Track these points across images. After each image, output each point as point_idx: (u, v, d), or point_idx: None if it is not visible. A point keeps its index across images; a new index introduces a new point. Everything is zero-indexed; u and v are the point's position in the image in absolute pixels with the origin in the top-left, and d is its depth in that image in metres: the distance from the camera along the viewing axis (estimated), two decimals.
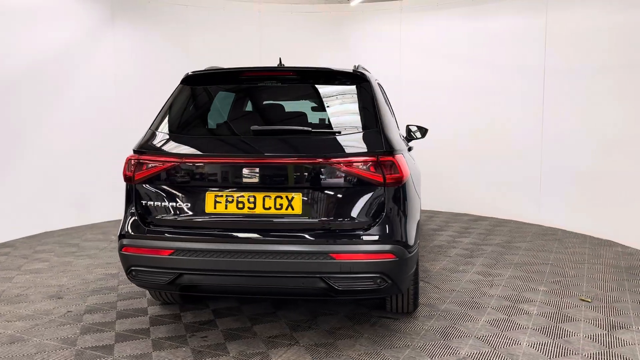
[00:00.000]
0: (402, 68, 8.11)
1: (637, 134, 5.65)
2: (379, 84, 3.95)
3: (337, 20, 8.49)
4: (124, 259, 3.11)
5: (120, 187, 3.39)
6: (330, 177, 2.97)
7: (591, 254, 5.33)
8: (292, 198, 2.97)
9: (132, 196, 3.16)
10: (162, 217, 3.09)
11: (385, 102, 3.95)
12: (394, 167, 2.98)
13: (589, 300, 4.00)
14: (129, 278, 3.18)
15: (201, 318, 3.67)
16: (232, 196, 3.00)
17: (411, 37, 8.07)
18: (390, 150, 3.02)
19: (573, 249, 5.52)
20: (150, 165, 3.11)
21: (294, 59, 4.68)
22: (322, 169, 2.96)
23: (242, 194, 3.00)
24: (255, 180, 2.97)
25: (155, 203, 3.10)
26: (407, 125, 5.16)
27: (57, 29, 6.77)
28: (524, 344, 3.22)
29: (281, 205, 2.97)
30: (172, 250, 2.98)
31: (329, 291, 2.97)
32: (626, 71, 5.78)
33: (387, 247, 2.92)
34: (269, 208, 2.98)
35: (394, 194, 3.00)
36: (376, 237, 2.93)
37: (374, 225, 2.95)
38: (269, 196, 2.98)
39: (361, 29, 8.42)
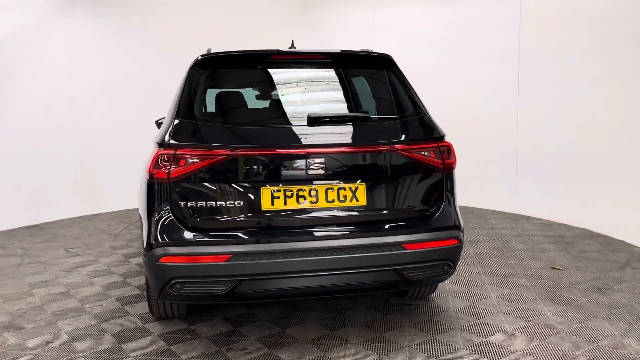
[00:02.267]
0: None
1: (615, 118, 5.56)
2: None
3: (306, 4, 8.17)
4: (163, 271, 2.65)
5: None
6: (392, 164, 2.85)
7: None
8: (356, 189, 2.80)
9: (165, 197, 2.69)
10: (210, 219, 2.70)
11: None
12: (450, 152, 2.98)
13: (560, 268, 4.44)
14: (162, 294, 2.72)
15: (220, 329, 3.29)
16: (291, 190, 2.73)
17: (384, 22, 7.97)
18: (444, 135, 3.00)
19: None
20: (191, 160, 2.68)
21: (265, 44, 4.39)
22: (384, 157, 2.84)
23: (303, 187, 2.74)
24: (316, 171, 2.73)
25: (199, 204, 2.69)
26: None
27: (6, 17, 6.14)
28: (549, 313, 3.47)
29: (345, 197, 2.78)
30: (229, 256, 2.62)
31: (401, 283, 2.87)
32: (602, 54, 5.70)
33: (452, 232, 2.92)
34: (332, 201, 2.77)
35: (450, 178, 3.00)
36: (442, 224, 2.91)
37: (437, 212, 2.92)
38: (332, 188, 2.77)
39: (331, 13, 8.18)
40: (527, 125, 6.61)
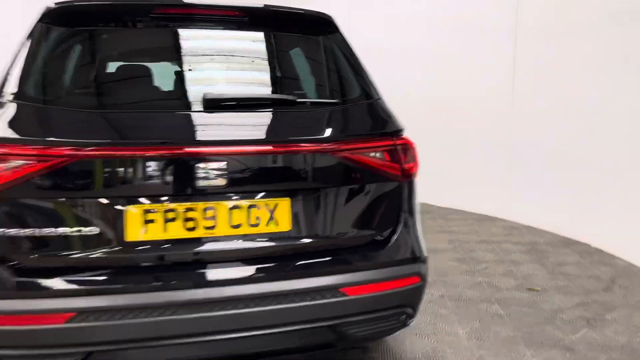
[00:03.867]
0: (351, 30, 6.85)
1: (622, 107, 4.57)
2: None
3: None
4: None
5: None
6: (329, 171, 1.97)
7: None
8: (276, 207, 1.90)
9: None
10: (43, 255, 1.74)
11: None
12: (410, 153, 2.12)
13: (538, 289, 3.69)
14: None
15: None
16: (174, 210, 1.80)
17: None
18: (401, 129, 2.14)
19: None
20: (14, 164, 1.71)
21: None
22: (317, 160, 1.94)
23: (193, 205, 1.82)
24: (214, 181, 1.81)
25: (26, 231, 1.73)
26: None
27: None
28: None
29: (258, 219, 1.88)
30: (72, 314, 1.68)
31: (339, 342, 2.00)
32: (611, 31, 4.64)
33: (413, 267, 2.07)
34: (239, 226, 1.87)
35: (409, 190, 2.15)
36: (398, 255, 2.06)
37: (392, 238, 2.07)
38: (238, 207, 1.86)
39: None
40: (523, 114, 5.66)
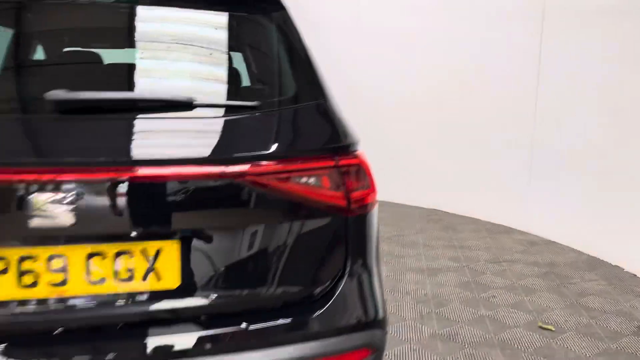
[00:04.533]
0: (360, 11, 6.29)
1: None
2: None
3: None
4: None
5: None
6: (236, 204, 1.40)
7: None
8: (158, 253, 1.34)
9: None
10: None
11: None
12: (363, 175, 1.53)
13: (553, 328, 3.05)
14: None
15: None
16: (2, 259, 1.27)
17: None
18: (351, 144, 1.54)
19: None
20: None
21: None
22: (219, 189, 1.37)
23: (31, 251, 1.28)
24: (64, 218, 1.26)
25: None
26: None
27: None
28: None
29: (132, 271, 1.33)
30: None
31: None
32: None
33: (363, 336, 1.50)
34: (102, 281, 1.32)
35: (361, 226, 1.56)
36: (341, 321, 1.48)
37: (331, 297, 1.49)
38: (101, 253, 1.31)
39: None
40: (547, 113, 4.92)
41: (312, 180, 1.44)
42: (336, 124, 1.55)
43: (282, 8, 1.76)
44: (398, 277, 3.80)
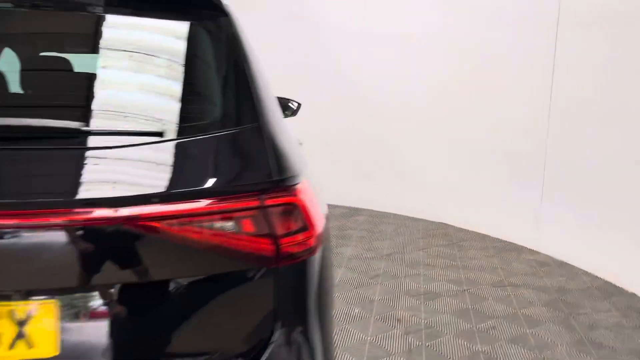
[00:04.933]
0: (367, 14, 5.99)
1: None
2: None
3: None
4: None
5: None
6: (128, 257, 1.14)
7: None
8: (30, 317, 1.09)
9: None
10: None
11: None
12: (299, 215, 1.26)
13: None
14: None
15: None
16: None
17: None
18: (288, 177, 1.28)
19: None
20: None
21: None
22: (104, 238, 1.13)
23: None
24: None
25: None
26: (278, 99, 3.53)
27: None
28: None
29: None
30: None
31: None
32: None
33: None
34: None
35: (297, 278, 1.30)
36: None
37: None
38: None
39: None
40: (562, 124, 4.58)
41: (229, 224, 1.17)
42: (268, 154, 1.28)
43: (222, 14, 1.51)
44: (391, 302, 3.52)
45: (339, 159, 6.26)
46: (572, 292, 3.78)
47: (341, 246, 4.69)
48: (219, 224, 1.16)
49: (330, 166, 6.29)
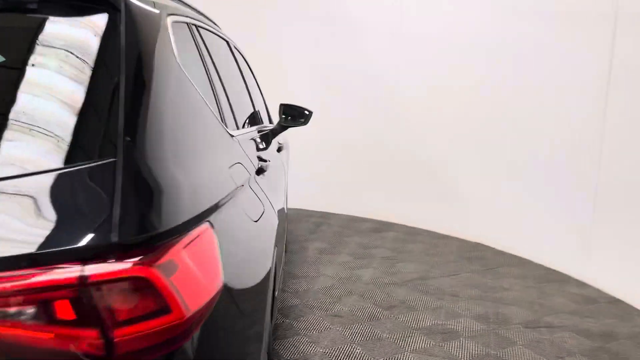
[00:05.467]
0: (403, 16, 5.51)
1: None
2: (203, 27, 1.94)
3: None
4: None
5: None
6: None
7: None
8: None
9: None
10: None
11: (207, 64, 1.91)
12: (151, 293, 0.89)
13: None
14: None
15: None
16: None
17: None
18: (149, 234, 0.91)
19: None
20: None
21: None
22: None
23: None
24: None
25: None
26: (282, 105, 3.25)
27: None
28: None
29: None
30: None
31: None
32: None
33: None
34: None
35: None
36: None
37: None
38: None
39: None
40: (620, 133, 3.96)
41: (29, 311, 0.82)
42: (115, 204, 0.92)
43: (113, 8, 1.16)
44: (400, 342, 3.07)
45: (369, 169, 5.85)
46: (621, 339, 3.19)
47: (360, 268, 4.28)
48: (14, 310, 0.81)
49: (361, 176, 5.88)
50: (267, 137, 2.77)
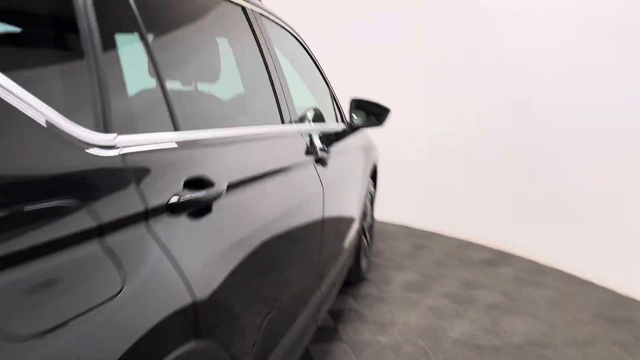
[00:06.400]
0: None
1: None
2: None
3: None
4: None
5: None
6: None
7: None
8: None
9: None
10: None
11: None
12: None
13: None
14: None
15: None
16: None
17: None
18: None
19: None
20: None
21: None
22: None
23: None
24: None
25: None
26: (353, 100, 2.97)
27: None
28: None
29: None
30: None
31: None
32: None
33: None
34: None
35: None
36: None
37: None
38: None
39: None
40: None
41: None
42: None
43: None
44: None
45: (492, 182, 4.69)
46: None
47: (452, 317, 3.23)
48: None
49: (480, 190, 4.76)
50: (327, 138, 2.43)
